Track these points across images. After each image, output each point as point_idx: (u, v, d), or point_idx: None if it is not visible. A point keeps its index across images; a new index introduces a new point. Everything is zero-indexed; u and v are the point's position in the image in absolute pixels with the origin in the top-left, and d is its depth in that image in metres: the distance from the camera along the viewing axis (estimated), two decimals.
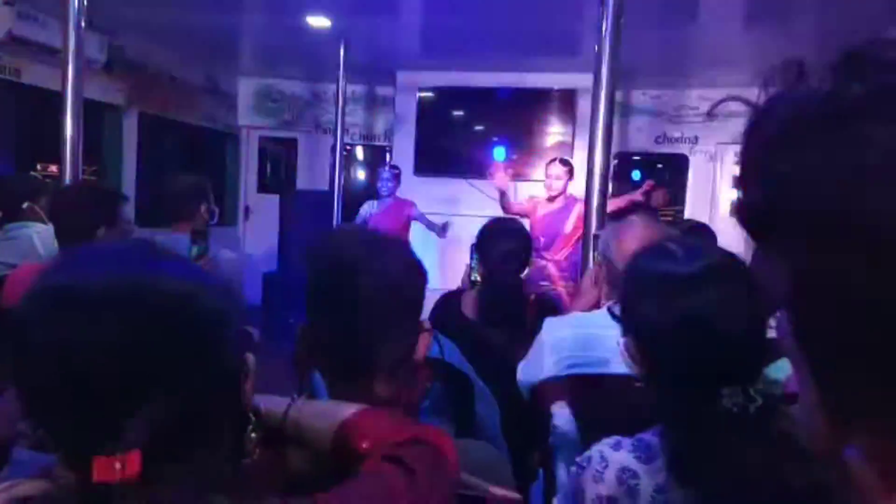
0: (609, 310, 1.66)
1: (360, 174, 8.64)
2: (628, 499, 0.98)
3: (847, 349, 0.32)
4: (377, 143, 7.32)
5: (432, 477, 0.75)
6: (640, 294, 1.09)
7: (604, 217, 2.86)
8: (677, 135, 6.49)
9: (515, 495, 0.93)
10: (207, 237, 2.43)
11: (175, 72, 6.10)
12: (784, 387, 1.49)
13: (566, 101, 6.13)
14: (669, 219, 6.08)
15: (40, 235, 2.84)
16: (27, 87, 4.57)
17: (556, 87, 6.14)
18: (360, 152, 8.39)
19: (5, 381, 0.70)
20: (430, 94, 6.47)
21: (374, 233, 1.15)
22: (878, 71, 0.32)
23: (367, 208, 5.28)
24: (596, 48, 2.82)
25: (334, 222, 5.61)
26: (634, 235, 1.67)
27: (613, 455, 1.02)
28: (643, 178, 7.98)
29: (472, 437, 1.36)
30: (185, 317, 0.65)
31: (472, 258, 2.39)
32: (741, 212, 0.36)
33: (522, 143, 6.41)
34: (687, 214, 6.41)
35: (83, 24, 3.27)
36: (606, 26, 2.78)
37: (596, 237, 2.25)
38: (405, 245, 1.10)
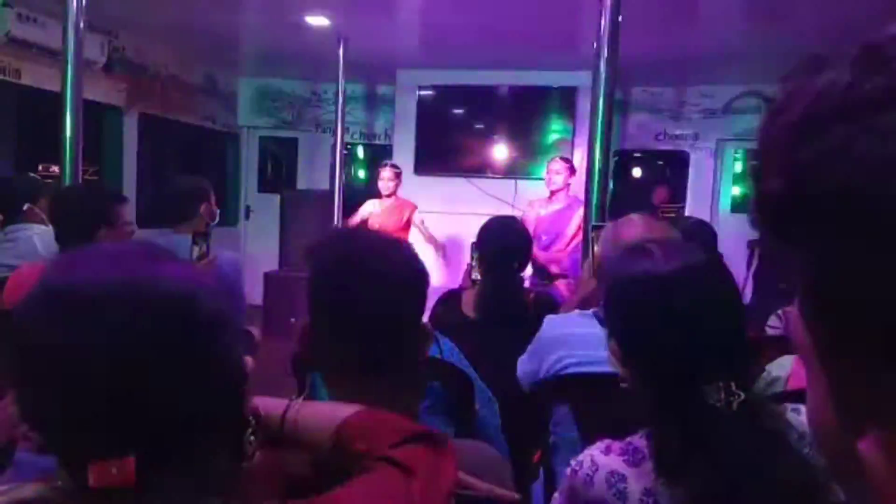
0: (595, 314, 1.66)
1: (361, 173, 8.64)
2: (618, 502, 0.99)
3: (865, 337, 0.32)
4: (377, 142, 7.32)
5: (431, 478, 0.75)
6: (618, 294, 1.10)
7: (604, 215, 2.86)
8: (678, 132, 6.48)
9: (514, 495, 0.94)
10: (209, 238, 2.43)
11: (175, 72, 6.10)
12: (785, 383, 1.49)
13: (566, 99, 6.13)
14: (672, 216, 6.08)
15: (41, 237, 2.84)
16: (27, 88, 4.57)
17: (555, 85, 6.13)
18: (360, 151, 8.39)
19: (7, 383, 0.70)
20: (429, 92, 6.47)
21: (375, 233, 1.15)
22: None
23: (369, 208, 5.25)
24: (595, 45, 2.82)
25: (335, 222, 5.61)
26: (633, 234, 1.67)
27: (603, 459, 1.03)
28: (644, 176, 8.00)
29: (472, 437, 1.36)
30: (184, 320, 0.65)
31: (472, 257, 2.39)
32: (759, 201, 0.37)
33: (523, 141, 6.40)
34: (688, 211, 6.41)
35: (83, 24, 3.27)
36: (605, 23, 2.78)
37: (595, 228, 2.24)
38: (406, 245, 1.10)
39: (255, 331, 2.76)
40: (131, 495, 0.60)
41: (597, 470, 1.03)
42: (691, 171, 6.55)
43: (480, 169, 6.40)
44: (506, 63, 5.86)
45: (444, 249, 5.15)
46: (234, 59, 6.66)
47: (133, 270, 0.66)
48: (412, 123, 6.44)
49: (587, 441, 1.21)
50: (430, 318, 2.20)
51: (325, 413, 0.86)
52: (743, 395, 0.96)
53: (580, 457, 1.07)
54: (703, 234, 2.53)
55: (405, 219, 5.11)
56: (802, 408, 1.04)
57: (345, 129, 5.86)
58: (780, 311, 2.25)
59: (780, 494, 0.91)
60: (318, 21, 4.88)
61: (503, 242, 2.26)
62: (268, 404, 0.86)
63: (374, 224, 4.78)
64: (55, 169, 3.99)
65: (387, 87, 6.81)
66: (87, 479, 0.60)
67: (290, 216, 6.24)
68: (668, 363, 1.01)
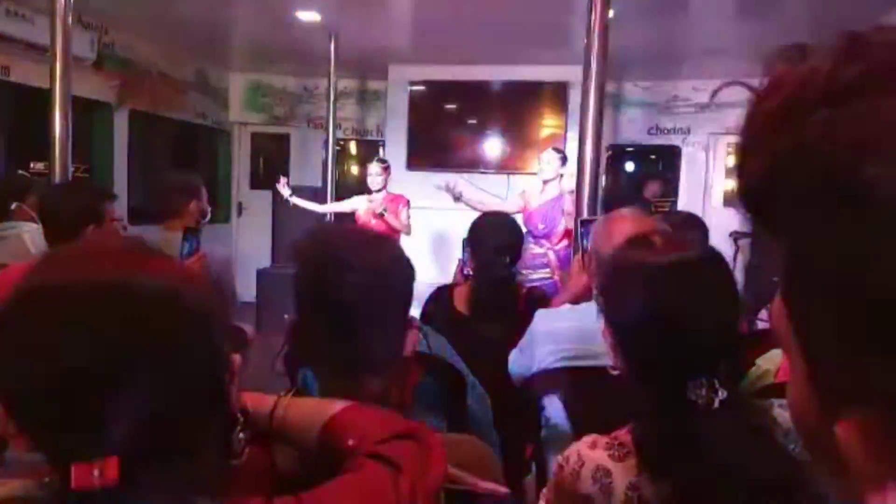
0: (595, 299, 1.66)
1: (353, 169, 8.62)
2: (603, 497, 1.00)
3: (845, 321, 0.32)
4: (370, 138, 7.31)
5: (419, 474, 0.75)
6: (614, 282, 1.10)
7: (595, 209, 2.86)
8: (669, 126, 6.50)
9: (502, 489, 0.94)
10: (199, 235, 2.42)
11: (166, 68, 6.07)
12: (774, 376, 1.50)
13: (558, 94, 6.13)
14: (665, 210, 6.09)
15: (31, 235, 2.82)
16: (16, 84, 4.54)
17: (547, 80, 6.13)
18: (352, 147, 8.37)
19: None
20: (421, 87, 6.46)
21: (361, 229, 1.15)
22: (878, 50, 0.32)
23: (361, 203, 5.24)
24: (585, 40, 2.82)
25: (328, 218, 5.61)
26: (623, 229, 1.67)
27: (589, 454, 1.04)
28: (636, 170, 8.01)
29: (464, 432, 1.36)
30: (167, 317, 0.64)
31: (464, 252, 2.39)
32: (741, 187, 0.37)
33: (514, 136, 6.40)
34: (680, 205, 6.43)
35: (71, 20, 3.25)
36: (595, 17, 2.78)
37: (585, 223, 2.25)
38: (393, 241, 1.10)
39: (248, 328, 2.75)
40: (114, 496, 0.60)
41: (583, 465, 1.03)
42: (683, 165, 6.56)
43: (473, 164, 6.40)
44: (498, 58, 5.86)
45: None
46: (226, 55, 6.63)
47: (117, 269, 0.65)
48: (404, 119, 6.43)
49: (579, 435, 1.21)
50: (422, 314, 2.20)
51: (313, 409, 0.86)
52: (725, 394, 0.96)
53: (567, 452, 1.08)
54: (694, 228, 2.53)
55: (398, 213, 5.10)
56: None
57: (337, 125, 5.85)
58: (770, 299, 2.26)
59: (762, 490, 0.91)
60: (309, 16, 4.86)
61: (495, 238, 2.26)
62: (256, 401, 0.86)
63: (367, 221, 4.77)
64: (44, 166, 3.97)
65: (378, 83, 6.80)
66: (69, 480, 0.59)
67: (283, 213, 6.22)
68: (656, 355, 1.01)
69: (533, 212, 4.45)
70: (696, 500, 0.93)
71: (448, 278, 2.49)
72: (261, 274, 6.05)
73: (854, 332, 0.32)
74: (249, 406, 0.82)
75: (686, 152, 6.51)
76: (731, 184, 6.63)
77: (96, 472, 0.58)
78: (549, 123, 6.30)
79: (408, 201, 5.12)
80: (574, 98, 5.69)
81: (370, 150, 7.46)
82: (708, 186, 6.54)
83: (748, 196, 0.37)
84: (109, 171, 5.45)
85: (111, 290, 0.63)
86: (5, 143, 6.00)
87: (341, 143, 7.41)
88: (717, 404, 0.96)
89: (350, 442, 0.78)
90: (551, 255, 4.35)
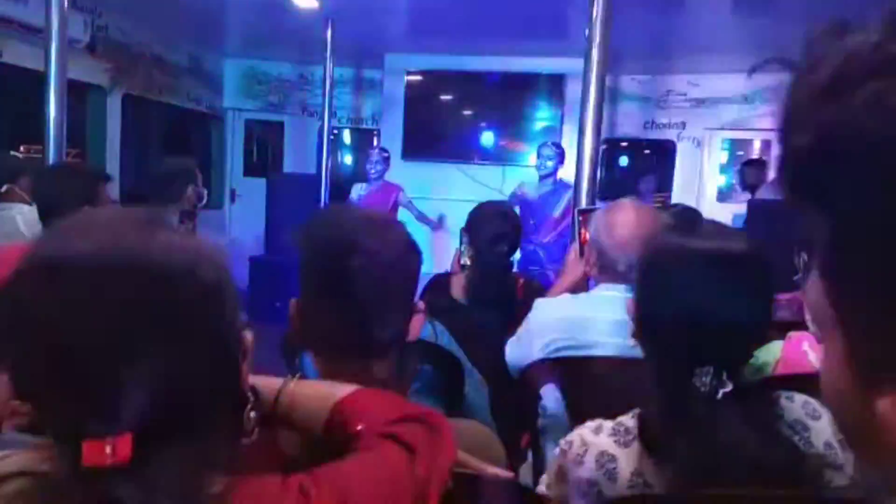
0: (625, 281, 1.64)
1: (348, 158, 8.58)
2: (608, 482, 1.00)
3: (891, 294, 0.32)
4: (365, 127, 7.27)
5: (432, 455, 0.74)
6: (651, 260, 1.09)
7: (593, 202, 2.86)
8: (665, 120, 6.50)
9: (508, 474, 0.94)
10: (195, 219, 2.41)
11: (160, 52, 6.01)
12: (773, 368, 1.50)
13: (555, 87, 6.12)
14: (659, 204, 6.10)
15: (24, 216, 2.80)
16: (9, 67, 4.48)
17: (544, 72, 6.12)
18: (347, 136, 8.33)
19: None
20: (418, 77, 6.43)
21: (368, 212, 1.14)
22: None
23: (357, 191, 5.28)
24: (586, 32, 2.81)
25: (321, 206, 5.58)
26: (625, 219, 1.67)
27: (593, 439, 1.04)
28: (631, 164, 8.02)
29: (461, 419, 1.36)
30: (182, 290, 0.62)
31: (461, 241, 2.38)
32: (785, 158, 0.36)
33: (511, 127, 6.39)
34: (674, 199, 6.44)
35: (66, 2, 3.21)
36: (597, 10, 2.77)
37: (582, 212, 2.24)
38: (400, 224, 1.09)
39: (242, 315, 2.74)
40: (126, 474, 0.58)
41: (587, 450, 1.03)
42: (678, 160, 6.57)
43: (468, 155, 6.39)
44: (495, 49, 5.84)
45: (440, 221, 5.13)
46: (220, 40, 6.57)
47: (129, 239, 0.63)
48: (400, 108, 6.41)
49: (576, 424, 1.21)
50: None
51: (321, 392, 0.85)
52: (730, 386, 0.96)
53: (570, 436, 1.07)
54: (692, 222, 2.53)
55: (392, 201, 5.13)
56: (796, 395, 1.05)
57: (332, 113, 5.82)
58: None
59: (767, 478, 0.92)
60: (305, 2, 4.82)
61: (493, 227, 2.26)
62: (262, 382, 0.85)
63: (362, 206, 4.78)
64: (37, 149, 3.93)
65: (375, 71, 6.75)
66: (80, 457, 0.57)
67: (276, 200, 6.19)
68: (668, 338, 1.01)
69: (527, 206, 4.47)
70: (700, 485, 0.93)
71: (444, 268, 2.49)
72: (254, 262, 6.02)
73: None
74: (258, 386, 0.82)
75: (681, 147, 6.52)
76: (725, 180, 6.66)
77: (108, 450, 0.56)
78: (544, 116, 6.30)
79: (401, 189, 5.16)
80: (571, 90, 5.69)
81: (365, 138, 7.43)
82: (702, 181, 6.56)
83: (790, 170, 0.37)
84: (102, 156, 5.40)
85: (125, 260, 0.61)
86: None
87: (336, 131, 7.37)
88: (720, 395, 0.96)
89: (359, 426, 0.77)
90: (539, 252, 4.38)
